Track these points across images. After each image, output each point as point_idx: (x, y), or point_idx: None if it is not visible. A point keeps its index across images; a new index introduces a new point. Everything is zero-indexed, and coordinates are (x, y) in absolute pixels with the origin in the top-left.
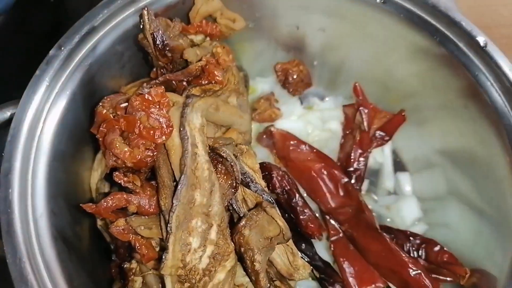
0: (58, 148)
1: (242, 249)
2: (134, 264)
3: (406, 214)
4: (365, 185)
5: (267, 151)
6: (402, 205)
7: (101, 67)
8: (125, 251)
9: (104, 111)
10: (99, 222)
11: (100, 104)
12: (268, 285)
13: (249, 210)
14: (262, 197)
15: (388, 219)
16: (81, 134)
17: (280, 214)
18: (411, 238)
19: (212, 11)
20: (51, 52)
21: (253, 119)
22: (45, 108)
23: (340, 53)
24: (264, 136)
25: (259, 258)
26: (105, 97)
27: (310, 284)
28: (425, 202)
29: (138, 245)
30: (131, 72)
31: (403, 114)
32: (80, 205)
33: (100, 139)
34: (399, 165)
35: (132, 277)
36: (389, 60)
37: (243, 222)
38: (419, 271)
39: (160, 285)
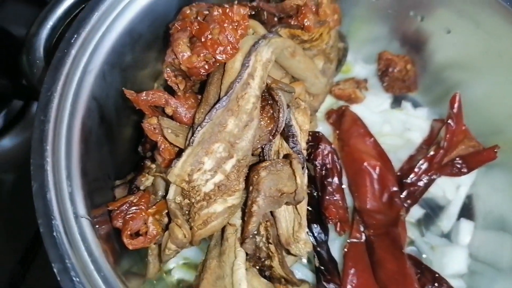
0: (135, 27)
1: (250, 188)
2: (153, 165)
3: (450, 263)
4: (419, 213)
5: (330, 131)
6: (450, 252)
7: None
8: (151, 147)
9: (188, 11)
10: None
11: (189, 5)
12: (255, 232)
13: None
14: (298, 157)
15: (424, 256)
16: (164, 27)
17: (303, 174)
18: (437, 283)
19: None
20: None
21: (331, 92)
22: None
23: (461, 72)
24: (334, 114)
25: (261, 202)
26: (197, 2)
27: (306, 273)
28: (477, 262)
29: (163, 147)
30: None
31: (495, 151)
32: (122, 88)
33: (171, 34)
34: (467, 212)
35: (146, 174)
36: None
37: (266, 163)
38: None
39: (165, 192)
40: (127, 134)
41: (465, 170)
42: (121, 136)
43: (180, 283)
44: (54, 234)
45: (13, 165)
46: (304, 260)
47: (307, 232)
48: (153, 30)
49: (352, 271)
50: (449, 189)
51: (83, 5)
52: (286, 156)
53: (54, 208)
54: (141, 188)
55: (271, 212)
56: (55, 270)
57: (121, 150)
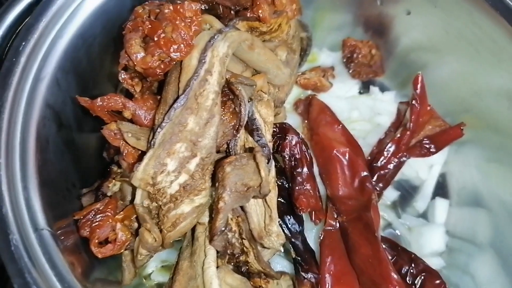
0: (88, 30)
1: (217, 184)
2: (120, 170)
3: (428, 243)
4: (394, 195)
5: (299, 122)
6: (427, 231)
7: None
8: (115, 153)
9: (141, 10)
10: None
11: (142, 4)
12: (223, 229)
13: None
14: (262, 150)
15: (400, 235)
16: (118, 29)
17: (268, 167)
18: (413, 263)
19: None
20: None
21: (297, 83)
22: None
23: (426, 53)
24: (302, 103)
25: (226, 198)
26: (151, 1)
27: (285, 265)
28: (454, 239)
29: (126, 152)
30: None
31: (461, 128)
32: (76, 96)
33: (123, 35)
34: (441, 191)
35: (113, 180)
36: (484, 79)
37: (231, 158)
38: None
39: (132, 197)
40: (91, 141)
41: (433, 150)
42: (84, 143)
43: (161, 287)
44: (12, 248)
45: None
46: (282, 251)
47: (281, 224)
48: (107, 31)
49: (329, 259)
50: (422, 169)
51: None
52: (251, 150)
53: (10, 222)
54: (109, 194)
55: (242, 207)
56: (15, 285)
57: (86, 157)
